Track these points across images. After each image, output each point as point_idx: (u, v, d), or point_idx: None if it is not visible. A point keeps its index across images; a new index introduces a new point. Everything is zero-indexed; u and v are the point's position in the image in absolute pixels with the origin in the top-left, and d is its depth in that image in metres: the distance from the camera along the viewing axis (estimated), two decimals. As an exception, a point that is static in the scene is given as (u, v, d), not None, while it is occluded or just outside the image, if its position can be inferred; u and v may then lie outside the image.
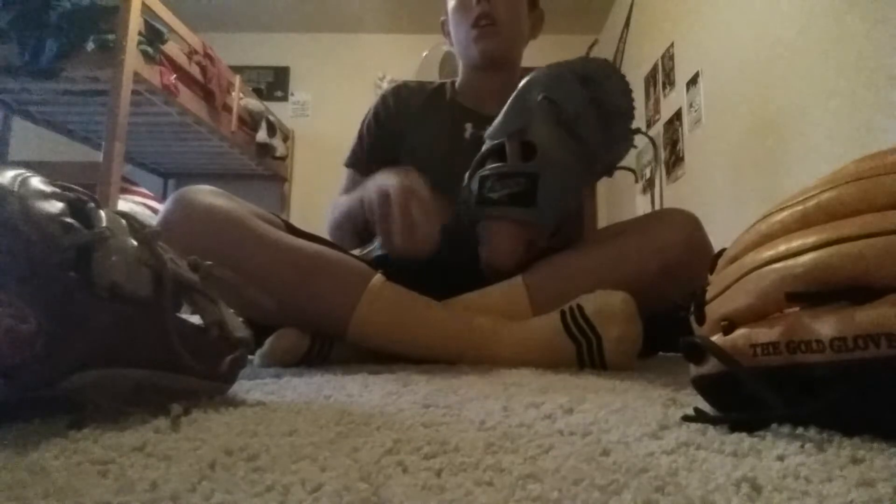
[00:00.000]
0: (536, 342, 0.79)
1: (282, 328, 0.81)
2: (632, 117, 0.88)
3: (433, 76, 2.73)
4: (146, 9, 2.11)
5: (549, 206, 0.84)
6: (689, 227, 0.86)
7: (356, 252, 0.95)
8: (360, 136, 1.19)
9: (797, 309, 0.36)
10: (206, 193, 0.80)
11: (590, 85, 0.85)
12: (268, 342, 0.80)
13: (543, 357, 0.77)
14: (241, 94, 3.09)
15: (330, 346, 0.84)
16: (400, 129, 1.15)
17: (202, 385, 0.45)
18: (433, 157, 1.10)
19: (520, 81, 1.13)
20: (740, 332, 0.38)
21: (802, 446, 0.31)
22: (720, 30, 2.25)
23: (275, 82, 4.19)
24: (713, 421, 0.38)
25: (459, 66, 1.20)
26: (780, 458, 0.30)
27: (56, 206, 0.37)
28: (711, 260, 0.46)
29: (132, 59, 2.02)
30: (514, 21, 1.11)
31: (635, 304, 0.76)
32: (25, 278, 0.34)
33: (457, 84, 1.21)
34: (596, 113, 0.84)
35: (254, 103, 3.25)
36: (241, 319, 0.52)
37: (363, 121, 1.20)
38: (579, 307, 0.76)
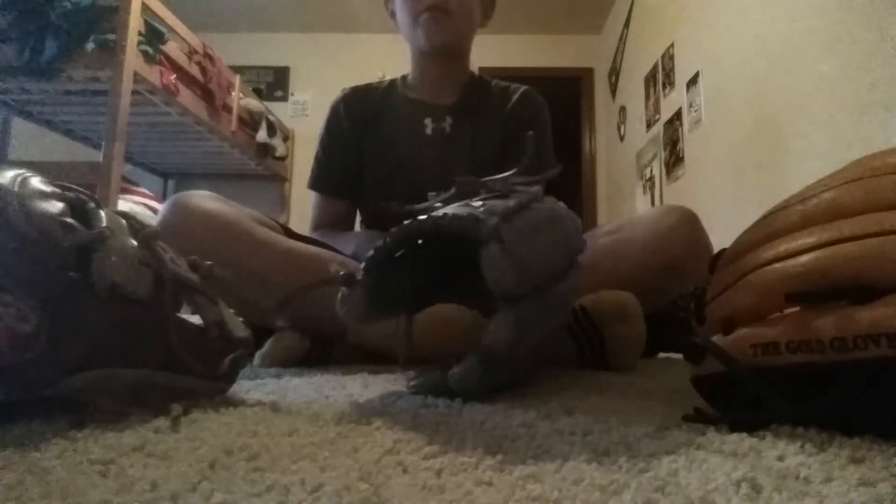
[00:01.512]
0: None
1: (281, 330, 0.81)
2: None
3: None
4: (146, 9, 2.10)
5: None
6: (687, 223, 0.86)
7: None
8: (318, 155, 1.14)
9: (797, 309, 0.36)
10: (203, 198, 0.80)
11: None
12: (268, 344, 0.80)
13: (544, 357, 0.77)
14: (241, 94, 3.09)
15: (330, 348, 0.84)
16: (356, 138, 1.10)
17: (202, 385, 0.45)
18: (397, 158, 1.07)
19: (470, 69, 1.10)
20: (740, 332, 0.38)
21: (802, 446, 0.31)
22: (720, 30, 2.25)
23: (275, 82, 4.19)
24: (713, 421, 0.38)
25: (408, 53, 1.14)
26: (780, 458, 0.30)
27: (56, 206, 0.37)
28: (711, 260, 0.46)
29: (132, 59, 2.02)
30: (465, 9, 1.05)
31: (639, 304, 0.76)
32: (25, 278, 0.34)
33: (408, 77, 1.15)
34: None
35: (254, 103, 3.25)
36: (240, 319, 0.52)
37: (319, 138, 1.15)
38: (581, 308, 0.76)
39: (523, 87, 1.15)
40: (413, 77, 1.14)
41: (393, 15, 1.12)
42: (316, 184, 1.13)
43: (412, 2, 1.03)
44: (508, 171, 0.56)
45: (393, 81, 1.17)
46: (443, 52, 1.07)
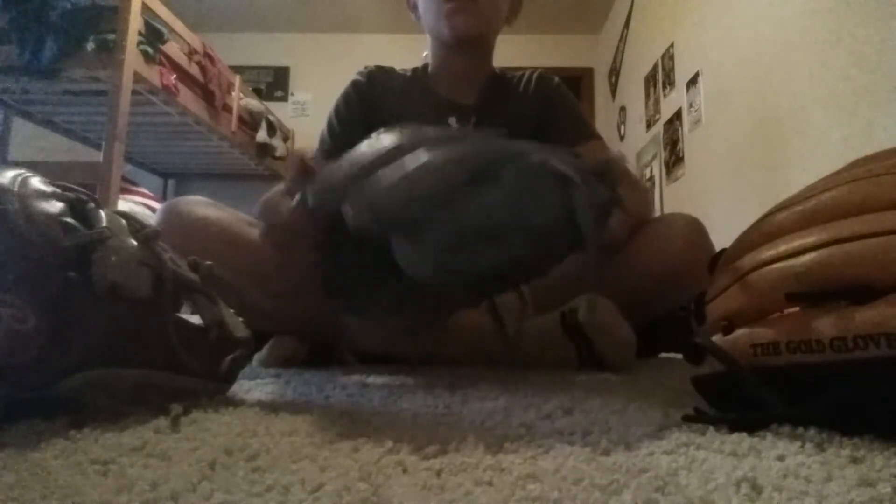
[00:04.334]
0: (537, 341, 0.78)
1: (280, 334, 0.81)
2: None
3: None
4: (146, 9, 2.10)
5: None
6: (692, 233, 0.84)
7: None
8: (331, 126, 1.06)
9: (797, 309, 0.36)
10: (196, 204, 0.80)
11: None
12: (266, 348, 0.80)
13: (544, 356, 0.77)
14: (241, 94, 3.09)
15: (329, 352, 0.84)
16: (376, 116, 1.03)
17: (202, 385, 0.45)
18: None
19: (493, 67, 1.05)
20: (740, 332, 0.38)
21: (802, 446, 0.31)
22: (720, 30, 2.25)
23: (275, 82, 4.19)
24: (713, 421, 0.38)
25: (429, 45, 1.08)
26: (780, 458, 0.30)
27: (56, 206, 0.37)
28: (711, 260, 0.46)
29: (132, 59, 2.02)
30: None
31: (617, 308, 0.75)
32: (25, 278, 0.34)
33: (430, 69, 1.10)
34: None
35: (254, 103, 3.25)
36: (240, 319, 0.52)
37: (331, 112, 1.07)
38: (572, 311, 0.76)
39: (536, 72, 1.11)
40: (434, 72, 1.09)
41: (414, 8, 1.07)
42: (322, 157, 1.04)
43: None
44: None
45: (415, 70, 1.11)
46: (468, 45, 1.02)
